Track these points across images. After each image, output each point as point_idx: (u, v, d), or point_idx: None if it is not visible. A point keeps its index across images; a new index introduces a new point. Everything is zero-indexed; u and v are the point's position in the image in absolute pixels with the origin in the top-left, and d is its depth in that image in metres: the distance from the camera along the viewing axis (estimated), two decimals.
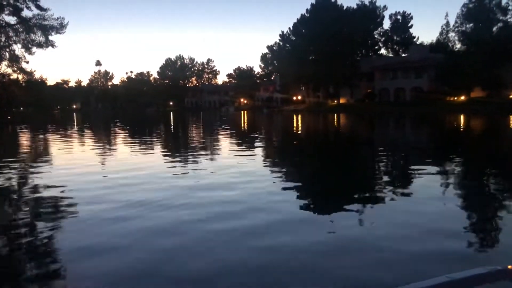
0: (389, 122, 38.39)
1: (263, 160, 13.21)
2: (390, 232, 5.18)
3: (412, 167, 10.76)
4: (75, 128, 38.84)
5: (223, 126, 35.03)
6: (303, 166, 11.87)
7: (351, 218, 5.96)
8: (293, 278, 3.94)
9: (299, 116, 53.24)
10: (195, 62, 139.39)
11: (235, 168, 10.43)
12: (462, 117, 39.78)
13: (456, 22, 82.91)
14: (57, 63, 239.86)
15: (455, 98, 57.77)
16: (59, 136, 26.99)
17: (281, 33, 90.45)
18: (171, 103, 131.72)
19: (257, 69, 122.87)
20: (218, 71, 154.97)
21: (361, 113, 56.15)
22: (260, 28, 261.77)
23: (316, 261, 4.29)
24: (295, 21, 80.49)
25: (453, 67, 55.18)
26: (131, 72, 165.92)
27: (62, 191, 8.03)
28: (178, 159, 13.39)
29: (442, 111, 49.40)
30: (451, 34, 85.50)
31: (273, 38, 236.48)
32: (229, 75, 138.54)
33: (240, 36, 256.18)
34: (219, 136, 23.71)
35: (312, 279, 3.90)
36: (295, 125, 37.00)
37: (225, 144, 18.67)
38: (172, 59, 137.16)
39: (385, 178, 9.64)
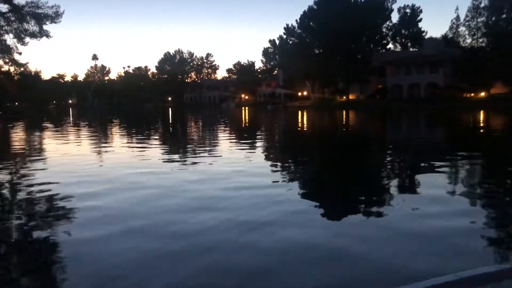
0: (405, 120, 35.54)
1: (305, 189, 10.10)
2: None
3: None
4: (71, 124, 35.75)
5: (230, 125, 32.02)
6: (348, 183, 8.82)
7: None
8: None
9: (308, 113, 50.19)
10: (194, 57, 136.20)
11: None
12: (482, 114, 37.02)
13: (466, 16, 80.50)
14: (53, 57, 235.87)
15: (474, 94, 54.94)
16: (52, 134, 23.89)
17: (285, 26, 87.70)
18: (169, 99, 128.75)
19: (258, 64, 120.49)
20: (218, 66, 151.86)
21: (373, 110, 53.21)
22: (258, 23, 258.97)
23: None
24: (301, 14, 77.50)
25: (472, 62, 52.35)
26: (129, 66, 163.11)
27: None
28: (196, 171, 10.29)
29: (460, 108, 46.59)
30: (462, 29, 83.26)
31: (272, 32, 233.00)
32: (228, 70, 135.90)
33: (238, 30, 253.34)
34: (234, 141, 20.57)
35: None
36: (309, 123, 33.92)
37: (244, 152, 15.56)
38: (171, 53, 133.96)
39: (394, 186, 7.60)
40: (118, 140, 18.62)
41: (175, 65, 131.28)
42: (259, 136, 20.79)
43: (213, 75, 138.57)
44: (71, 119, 46.92)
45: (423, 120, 35.00)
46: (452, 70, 58.05)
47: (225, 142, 17.20)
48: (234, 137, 19.97)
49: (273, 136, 21.14)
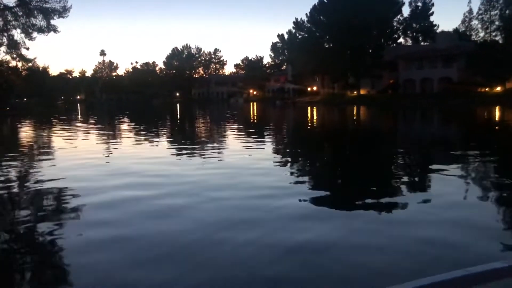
0: (420, 116, 34.60)
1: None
2: None
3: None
4: (79, 120, 35.24)
5: (243, 123, 31.29)
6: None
7: None
8: None
9: (319, 109, 49.23)
10: (202, 52, 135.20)
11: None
12: (498, 110, 35.90)
13: (479, 9, 78.79)
14: (61, 53, 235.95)
15: (489, 89, 53.63)
16: (60, 130, 23.27)
17: (295, 21, 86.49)
18: (177, 94, 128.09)
19: (266, 59, 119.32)
20: (226, 61, 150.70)
21: (385, 105, 52.12)
22: (266, 18, 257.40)
23: None
24: (311, 7, 75.97)
25: (487, 55, 50.99)
26: (136, 62, 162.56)
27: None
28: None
29: (475, 103, 45.34)
30: (474, 22, 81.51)
31: (280, 27, 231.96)
32: (236, 66, 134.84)
33: (245, 25, 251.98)
34: (252, 141, 19.84)
35: None
36: (323, 121, 33.06)
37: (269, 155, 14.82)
38: (179, 49, 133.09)
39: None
40: (137, 139, 17.98)
41: (183, 60, 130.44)
42: (275, 137, 20.04)
43: (221, 71, 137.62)
44: (79, 115, 46.54)
45: (439, 116, 34.04)
46: (466, 64, 56.59)
47: (241, 143, 16.47)
48: (252, 138, 19.20)
49: (290, 138, 20.39)
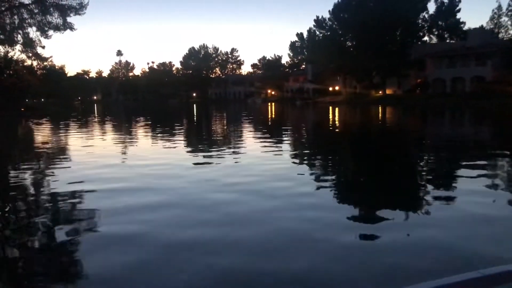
0: (457, 118, 31.97)
1: None
2: None
3: None
4: (96, 121, 33.49)
5: (270, 126, 29.12)
6: None
7: None
8: None
9: (344, 109, 46.75)
10: (219, 52, 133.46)
11: None
12: None
13: (509, 5, 75.64)
14: (78, 53, 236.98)
15: None
16: (75, 134, 21.37)
17: (315, 19, 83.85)
18: (194, 95, 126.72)
19: (285, 59, 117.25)
20: (243, 61, 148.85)
21: (414, 106, 49.37)
22: (283, 17, 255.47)
23: None
24: (334, 4, 73.42)
25: None
26: (153, 62, 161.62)
27: None
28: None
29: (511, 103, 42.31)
30: (504, 19, 78.11)
31: (298, 26, 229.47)
32: (253, 65, 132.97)
33: (262, 25, 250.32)
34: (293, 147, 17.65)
35: None
36: (357, 122, 30.64)
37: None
38: (196, 49, 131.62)
39: None
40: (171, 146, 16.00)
41: (200, 60, 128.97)
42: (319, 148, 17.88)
43: (238, 70, 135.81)
44: (95, 115, 45.01)
45: (472, 117, 31.52)
46: (501, 63, 53.44)
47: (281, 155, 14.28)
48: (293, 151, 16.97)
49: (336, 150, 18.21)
